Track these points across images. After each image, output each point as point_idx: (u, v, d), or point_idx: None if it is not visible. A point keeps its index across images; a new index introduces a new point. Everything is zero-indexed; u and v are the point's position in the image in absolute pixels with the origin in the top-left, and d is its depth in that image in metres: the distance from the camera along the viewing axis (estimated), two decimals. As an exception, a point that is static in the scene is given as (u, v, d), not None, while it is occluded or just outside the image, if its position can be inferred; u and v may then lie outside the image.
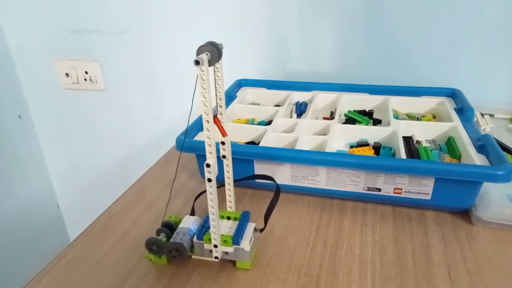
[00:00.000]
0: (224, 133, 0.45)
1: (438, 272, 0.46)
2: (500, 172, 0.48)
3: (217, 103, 0.43)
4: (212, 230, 0.44)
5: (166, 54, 1.00)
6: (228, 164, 0.47)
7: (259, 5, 0.90)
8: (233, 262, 0.48)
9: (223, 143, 0.45)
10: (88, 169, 1.22)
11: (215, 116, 0.43)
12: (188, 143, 0.59)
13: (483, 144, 0.55)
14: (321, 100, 0.78)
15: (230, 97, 0.78)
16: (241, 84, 0.85)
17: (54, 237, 1.27)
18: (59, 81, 1.11)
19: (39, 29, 1.05)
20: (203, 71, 0.37)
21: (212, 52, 0.38)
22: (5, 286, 1.10)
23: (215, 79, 0.42)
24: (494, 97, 0.85)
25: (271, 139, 0.63)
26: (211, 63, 0.37)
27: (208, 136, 0.40)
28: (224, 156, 0.46)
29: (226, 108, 0.74)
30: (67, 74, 1.11)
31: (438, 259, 0.48)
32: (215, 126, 0.43)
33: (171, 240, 0.46)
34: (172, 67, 1.01)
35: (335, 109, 0.76)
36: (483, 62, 0.83)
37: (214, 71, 0.42)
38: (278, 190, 0.48)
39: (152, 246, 0.47)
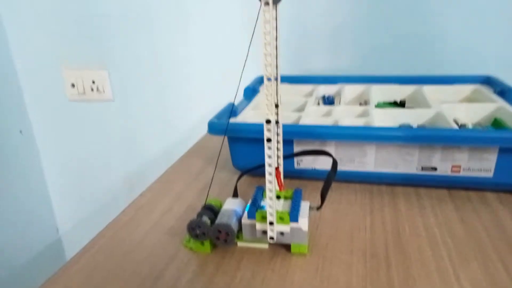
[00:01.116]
0: (280, 187, 0.43)
1: (523, 248, 0.40)
2: None
3: (276, 54, 0.38)
4: (268, 202, 0.38)
5: (178, 57, 0.97)
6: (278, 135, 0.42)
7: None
8: (286, 248, 0.42)
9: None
10: (95, 189, 1.15)
11: (276, 169, 0.40)
12: (223, 126, 0.54)
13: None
14: (349, 92, 0.74)
15: (254, 90, 0.74)
16: (262, 80, 0.81)
17: (52, 261, 1.18)
18: (65, 93, 1.06)
19: (44, 37, 1.01)
20: (268, 6, 0.33)
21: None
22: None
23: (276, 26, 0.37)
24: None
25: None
26: (274, 1, 0.34)
27: (268, 89, 0.36)
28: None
29: (250, 101, 0.70)
30: (73, 85, 1.06)
31: (518, 235, 0.42)
32: (275, 84, 0.39)
33: (217, 221, 0.40)
34: (183, 71, 0.98)
35: (364, 101, 0.72)
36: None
37: (276, 17, 0.37)
38: (335, 163, 0.43)
39: (196, 229, 0.41)
